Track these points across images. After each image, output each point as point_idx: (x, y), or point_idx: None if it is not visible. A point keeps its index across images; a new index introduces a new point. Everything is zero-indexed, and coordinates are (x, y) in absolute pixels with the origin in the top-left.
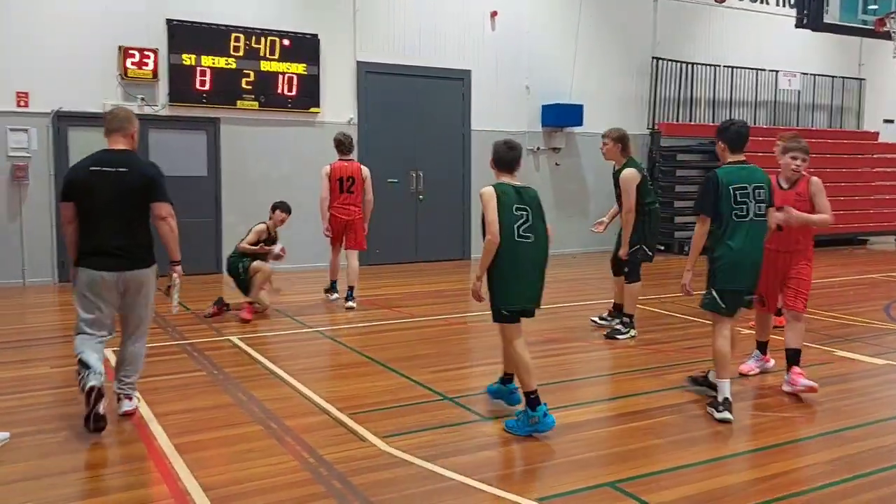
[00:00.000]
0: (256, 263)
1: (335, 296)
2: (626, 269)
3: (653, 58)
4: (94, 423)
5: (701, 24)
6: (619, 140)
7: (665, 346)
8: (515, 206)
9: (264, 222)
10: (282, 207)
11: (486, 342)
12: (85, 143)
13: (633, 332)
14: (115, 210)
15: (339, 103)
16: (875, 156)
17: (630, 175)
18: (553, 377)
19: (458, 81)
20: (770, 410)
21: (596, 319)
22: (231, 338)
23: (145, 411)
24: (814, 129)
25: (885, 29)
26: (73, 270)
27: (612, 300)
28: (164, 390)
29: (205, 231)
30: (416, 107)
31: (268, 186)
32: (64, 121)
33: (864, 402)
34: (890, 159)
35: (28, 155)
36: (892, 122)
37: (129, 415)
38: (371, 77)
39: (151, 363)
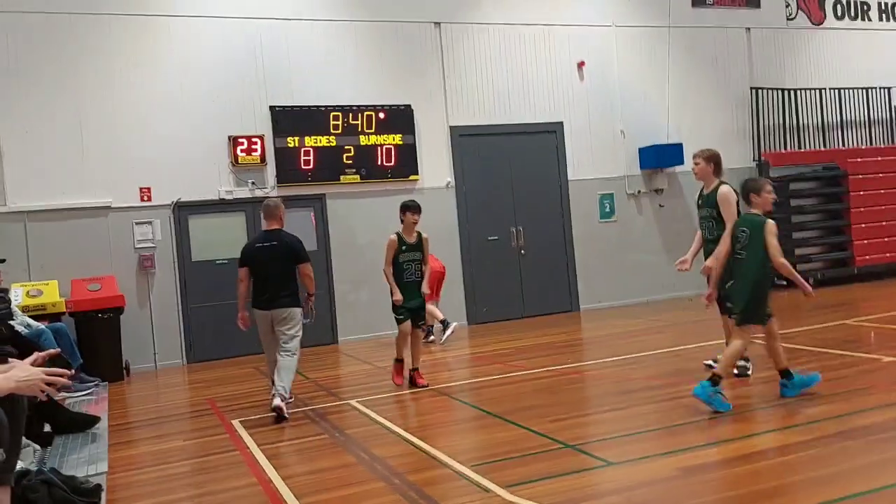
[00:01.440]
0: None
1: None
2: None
3: (751, 88)
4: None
5: (799, 48)
6: (711, 159)
7: None
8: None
9: (396, 232)
10: (410, 208)
11: (602, 389)
12: (205, 229)
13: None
14: (270, 271)
15: (436, 168)
16: None
17: (729, 191)
18: (680, 419)
19: (551, 134)
20: None
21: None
22: (350, 402)
23: (273, 475)
24: None
25: None
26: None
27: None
28: (289, 454)
29: (319, 303)
30: (510, 163)
31: (375, 251)
32: (184, 210)
33: None
34: None
35: (153, 245)
36: None
37: (278, 409)
38: (464, 140)
39: (277, 430)
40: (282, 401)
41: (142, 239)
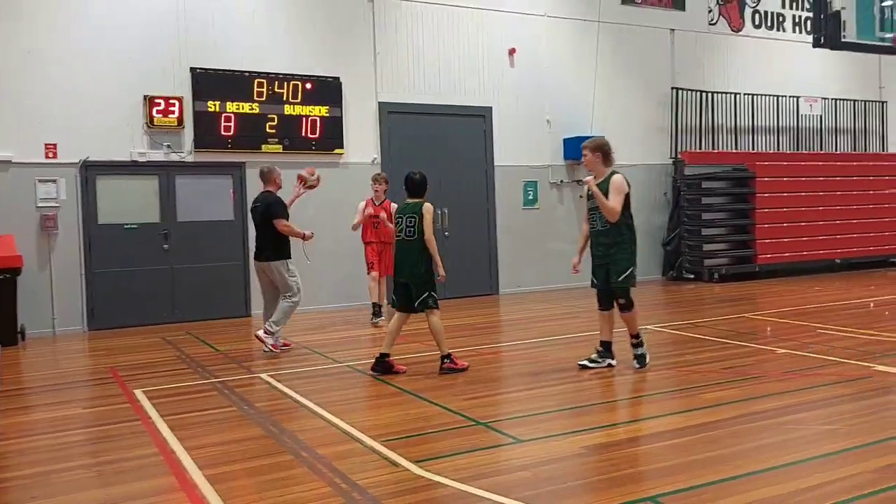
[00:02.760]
0: None
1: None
2: (621, 301)
3: (672, 88)
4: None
5: (719, 53)
6: (598, 149)
7: (700, 367)
8: None
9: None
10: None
11: (516, 370)
12: (113, 192)
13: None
14: (256, 228)
15: (362, 144)
16: None
17: (622, 179)
18: (589, 400)
19: (479, 118)
20: (811, 423)
21: (585, 363)
22: (261, 375)
23: (176, 446)
24: (838, 153)
25: None
26: None
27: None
28: (195, 426)
29: (233, 275)
30: (438, 144)
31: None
32: (92, 170)
33: None
34: None
35: (57, 205)
36: None
37: (257, 336)
38: (393, 117)
39: (181, 401)
40: (264, 333)
41: (45, 198)
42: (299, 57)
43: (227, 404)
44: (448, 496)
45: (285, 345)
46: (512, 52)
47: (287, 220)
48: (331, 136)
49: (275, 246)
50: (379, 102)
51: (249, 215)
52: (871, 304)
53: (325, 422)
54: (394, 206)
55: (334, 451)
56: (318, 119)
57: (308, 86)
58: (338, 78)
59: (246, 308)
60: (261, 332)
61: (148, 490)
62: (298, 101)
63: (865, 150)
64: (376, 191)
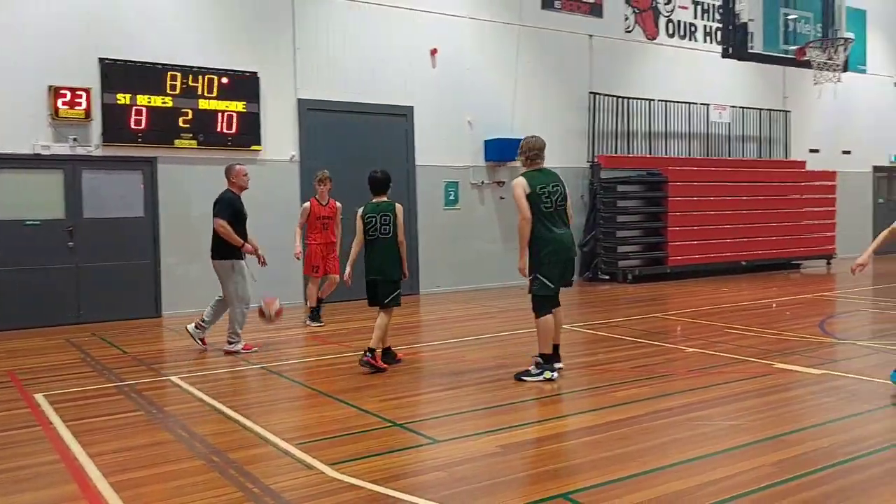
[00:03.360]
0: None
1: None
2: None
3: (590, 93)
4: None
5: (635, 60)
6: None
7: (613, 365)
8: None
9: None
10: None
11: (434, 370)
12: (14, 186)
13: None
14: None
15: (280, 140)
16: (803, 184)
17: (516, 183)
18: (505, 399)
19: (401, 118)
20: (714, 420)
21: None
22: (171, 378)
23: (79, 452)
24: (745, 159)
25: (805, 58)
26: None
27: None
28: (100, 431)
29: (143, 273)
30: (359, 143)
31: (210, 226)
32: None
33: (802, 408)
34: (817, 187)
35: None
36: (817, 151)
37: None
38: (312, 114)
39: (85, 405)
40: (227, 345)
41: None
42: (215, 50)
43: (135, 408)
44: (363, 498)
45: (247, 346)
46: (434, 52)
47: (225, 220)
48: (247, 133)
49: (217, 244)
50: (298, 99)
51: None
52: (774, 305)
53: (238, 425)
54: (338, 204)
55: (247, 454)
56: (234, 114)
57: (224, 80)
58: (255, 73)
59: (156, 308)
60: (226, 347)
61: (48, 499)
62: (214, 95)
63: (770, 156)
64: (321, 191)
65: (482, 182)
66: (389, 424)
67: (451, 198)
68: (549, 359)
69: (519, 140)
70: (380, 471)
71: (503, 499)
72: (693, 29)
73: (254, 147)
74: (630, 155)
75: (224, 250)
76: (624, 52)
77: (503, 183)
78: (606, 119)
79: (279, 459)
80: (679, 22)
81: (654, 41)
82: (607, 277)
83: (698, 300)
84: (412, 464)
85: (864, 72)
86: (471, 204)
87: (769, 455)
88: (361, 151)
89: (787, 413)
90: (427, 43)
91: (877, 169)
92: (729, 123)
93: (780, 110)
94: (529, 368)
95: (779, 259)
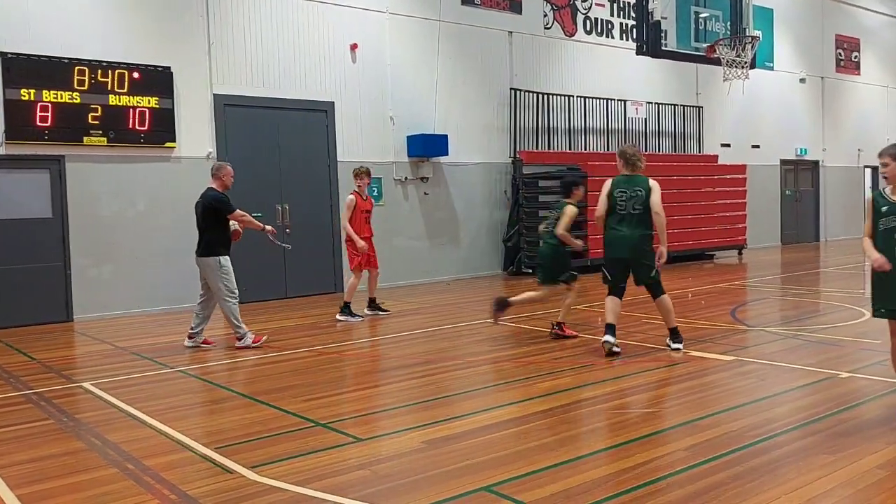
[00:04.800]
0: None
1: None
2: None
3: (511, 89)
4: None
5: (554, 56)
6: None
7: (537, 357)
8: None
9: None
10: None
11: (359, 368)
12: None
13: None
14: (197, 224)
15: (196, 137)
16: (716, 177)
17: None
18: (430, 395)
19: (321, 113)
20: (633, 408)
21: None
22: (83, 384)
23: None
24: (661, 153)
25: (715, 55)
26: None
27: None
28: (6, 442)
29: (51, 276)
30: (278, 139)
31: (123, 226)
32: None
33: (716, 393)
34: (729, 180)
35: None
36: (728, 145)
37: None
38: (230, 110)
39: None
40: (237, 341)
41: None
42: (125, 44)
43: (43, 417)
44: (285, 500)
45: (205, 342)
46: (353, 47)
47: (233, 211)
48: (161, 129)
49: (207, 242)
50: (214, 94)
51: (68, 212)
52: (690, 295)
53: (154, 430)
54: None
55: (163, 461)
56: (146, 110)
57: (135, 75)
58: (168, 67)
59: (67, 313)
60: (237, 344)
61: None
62: (125, 90)
63: (685, 151)
64: (360, 185)
65: (405, 178)
66: (312, 425)
67: (375, 194)
68: (610, 328)
69: (442, 136)
70: (302, 472)
71: (427, 494)
72: (610, 26)
73: (168, 144)
74: (551, 150)
75: (210, 248)
76: (543, 48)
77: (427, 179)
78: (527, 115)
79: (197, 464)
80: (596, 19)
81: (573, 38)
82: (530, 271)
83: None
84: (335, 463)
85: (771, 69)
86: (395, 200)
87: (683, 440)
88: (281, 147)
89: (700, 399)
90: (346, 38)
91: (784, 162)
92: (645, 119)
93: (693, 106)
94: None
95: (694, 250)
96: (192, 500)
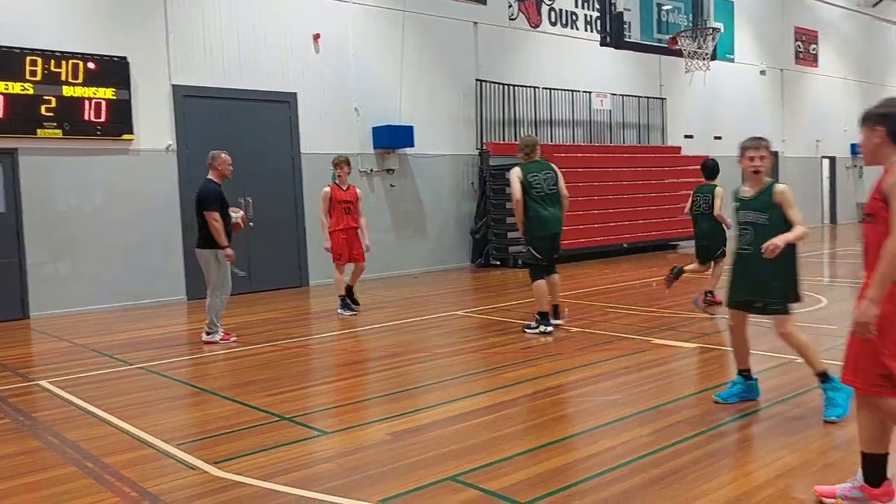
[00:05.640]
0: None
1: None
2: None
3: (477, 80)
4: None
5: (519, 47)
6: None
7: (503, 348)
8: None
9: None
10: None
11: (324, 362)
12: None
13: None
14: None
15: (154, 129)
16: (679, 168)
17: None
18: (396, 387)
19: (284, 104)
20: (597, 395)
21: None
22: (40, 382)
23: None
24: (626, 145)
25: (677, 47)
26: None
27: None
28: None
29: (6, 273)
30: (241, 131)
31: (81, 220)
32: None
33: (678, 380)
34: (692, 171)
35: None
36: (691, 137)
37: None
38: (189, 101)
39: None
40: (205, 333)
41: None
42: (80, 34)
43: (0, 416)
44: (249, 495)
45: (226, 335)
46: (316, 37)
47: (219, 213)
48: (118, 121)
49: (203, 236)
50: (173, 85)
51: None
52: (654, 284)
53: (114, 428)
54: (359, 191)
55: (123, 458)
56: (103, 102)
57: (91, 65)
58: (125, 58)
59: (23, 310)
60: (204, 338)
61: None
62: (80, 81)
63: (649, 142)
64: (340, 175)
65: (371, 170)
66: (277, 419)
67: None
68: (544, 316)
69: (408, 127)
70: (266, 466)
71: (393, 486)
72: (574, 17)
73: (125, 136)
74: (517, 142)
75: (206, 240)
76: (509, 39)
77: (393, 171)
78: (493, 106)
79: (159, 461)
80: (561, 10)
81: (538, 29)
82: (498, 263)
83: (583, 282)
84: (300, 457)
85: (732, 60)
86: (361, 192)
87: (646, 426)
88: (243, 139)
89: (663, 385)
90: (309, 28)
91: None
92: (610, 111)
93: (657, 98)
94: (531, 322)
95: (658, 240)
96: (153, 497)
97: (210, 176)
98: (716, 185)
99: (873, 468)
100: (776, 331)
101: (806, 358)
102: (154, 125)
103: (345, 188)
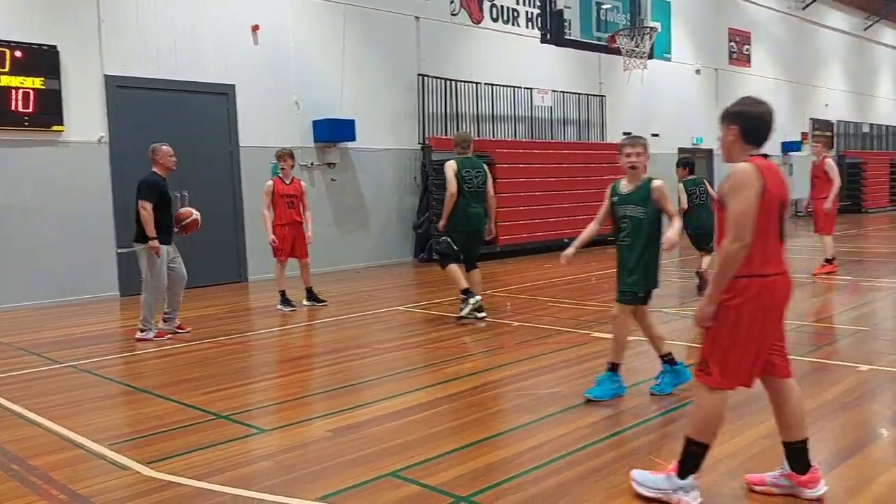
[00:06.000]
0: None
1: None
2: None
3: (419, 75)
4: None
5: (461, 43)
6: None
7: (444, 342)
8: None
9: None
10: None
11: (263, 359)
12: None
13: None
14: None
15: (86, 120)
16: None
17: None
18: (337, 383)
19: (221, 96)
20: (539, 388)
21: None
22: None
23: None
24: (566, 141)
25: (616, 45)
26: None
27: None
28: None
29: None
30: (177, 123)
31: (8, 214)
32: None
33: None
34: None
35: None
36: (629, 134)
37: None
38: (122, 91)
39: None
40: (139, 331)
41: None
42: (6, 21)
43: None
44: (184, 495)
45: (179, 328)
46: (255, 28)
47: (150, 203)
48: (47, 112)
49: (138, 227)
50: (105, 75)
51: None
52: (594, 279)
53: (42, 429)
54: (304, 184)
55: (51, 459)
56: (31, 91)
57: (18, 54)
58: (54, 46)
59: None
60: (137, 335)
61: None
62: (6, 70)
63: (588, 139)
64: (283, 168)
65: (312, 163)
66: (213, 417)
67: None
68: (467, 290)
69: (349, 120)
70: (202, 466)
71: (333, 482)
72: (515, 14)
73: (55, 127)
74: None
75: (137, 234)
76: (450, 35)
77: (334, 165)
78: (436, 101)
79: (88, 462)
80: (502, 7)
81: (480, 25)
82: (437, 258)
83: (524, 277)
84: (237, 456)
85: (668, 59)
86: None
87: (585, 418)
88: (179, 132)
89: None
90: (247, 19)
91: (681, 150)
92: (551, 107)
93: (596, 95)
94: (461, 306)
95: (598, 236)
96: (83, 499)
97: (154, 170)
98: (703, 178)
99: (794, 456)
100: (613, 311)
101: (612, 347)
102: (85, 116)
103: (288, 182)
